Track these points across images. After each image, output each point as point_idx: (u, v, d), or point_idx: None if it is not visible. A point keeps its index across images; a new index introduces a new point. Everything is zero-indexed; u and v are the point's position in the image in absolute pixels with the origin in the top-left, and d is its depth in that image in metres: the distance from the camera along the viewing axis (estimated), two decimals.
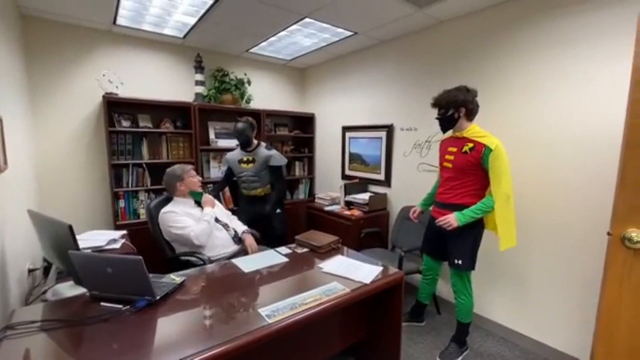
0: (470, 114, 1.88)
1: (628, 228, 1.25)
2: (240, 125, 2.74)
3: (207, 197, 2.22)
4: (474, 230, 1.91)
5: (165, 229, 2.05)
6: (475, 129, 1.87)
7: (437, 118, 1.96)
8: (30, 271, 1.85)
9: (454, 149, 1.92)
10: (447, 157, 1.96)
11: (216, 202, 2.30)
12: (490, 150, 1.76)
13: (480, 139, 1.81)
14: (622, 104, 1.29)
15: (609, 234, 1.32)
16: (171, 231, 2.02)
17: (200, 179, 2.25)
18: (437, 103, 1.92)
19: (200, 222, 2.04)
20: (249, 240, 2.24)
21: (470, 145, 1.84)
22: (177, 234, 2.01)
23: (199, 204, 2.19)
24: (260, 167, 2.77)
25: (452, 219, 1.84)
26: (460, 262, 1.92)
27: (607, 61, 1.74)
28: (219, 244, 2.10)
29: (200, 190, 2.22)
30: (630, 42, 1.25)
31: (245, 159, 2.79)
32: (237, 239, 2.24)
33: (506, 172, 1.78)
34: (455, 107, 1.85)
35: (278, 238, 2.75)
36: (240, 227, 2.33)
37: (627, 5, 1.66)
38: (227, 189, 3.29)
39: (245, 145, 2.80)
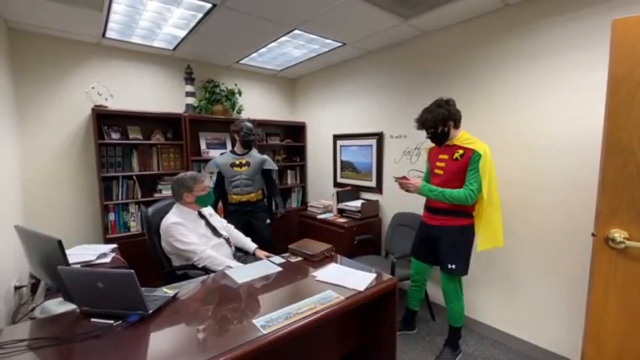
0: (457, 123, 1.95)
1: (611, 229, 1.29)
2: (250, 124, 2.75)
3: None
4: (466, 235, 1.95)
5: (167, 241, 1.96)
6: (464, 136, 1.94)
7: (428, 137, 2.01)
8: (17, 288, 1.80)
9: (445, 157, 1.97)
10: (438, 164, 2.01)
11: (214, 213, 2.26)
12: (480, 155, 1.83)
13: (470, 145, 1.88)
14: (601, 109, 1.35)
15: (593, 234, 1.35)
16: (175, 245, 1.92)
17: (207, 184, 2.15)
18: (424, 125, 1.96)
19: (207, 245, 1.98)
20: (263, 255, 2.15)
21: (461, 152, 1.90)
22: (180, 249, 1.92)
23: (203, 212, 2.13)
24: (255, 170, 2.77)
25: (413, 184, 1.95)
26: (453, 266, 1.94)
27: (587, 69, 1.82)
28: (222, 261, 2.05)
29: (204, 193, 2.09)
30: (607, 51, 1.31)
31: (238, 162, 2.76)
32: (239, 253, 2.21)
33: (492, 175, 1.84)
34: (443, 124, 1.91)
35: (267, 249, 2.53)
36: (249, 243, 2.28)
37: (602, 14, 1.75)
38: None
39: (251, 144, 2.79)
